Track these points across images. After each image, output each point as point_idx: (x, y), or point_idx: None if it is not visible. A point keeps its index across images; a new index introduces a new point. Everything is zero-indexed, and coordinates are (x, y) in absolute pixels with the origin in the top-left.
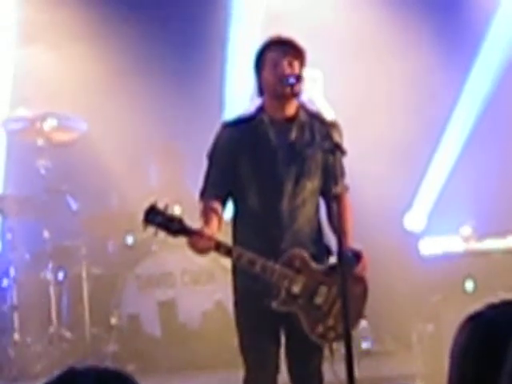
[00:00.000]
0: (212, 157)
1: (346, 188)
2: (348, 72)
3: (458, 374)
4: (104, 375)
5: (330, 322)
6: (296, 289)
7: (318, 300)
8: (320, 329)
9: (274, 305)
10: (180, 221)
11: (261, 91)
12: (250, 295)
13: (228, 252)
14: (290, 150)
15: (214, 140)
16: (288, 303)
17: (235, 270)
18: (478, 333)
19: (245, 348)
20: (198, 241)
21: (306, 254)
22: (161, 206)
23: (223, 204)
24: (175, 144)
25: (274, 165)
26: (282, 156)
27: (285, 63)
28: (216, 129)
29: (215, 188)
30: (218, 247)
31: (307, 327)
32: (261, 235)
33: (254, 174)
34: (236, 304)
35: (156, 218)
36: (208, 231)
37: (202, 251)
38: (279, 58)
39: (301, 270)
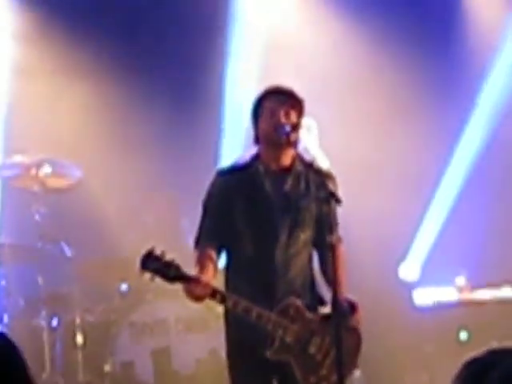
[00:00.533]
0: (206, 205)
1: (339, 239)
2: (343, 121)
3: None
4: None
5: (323, 371)
6: (290, 338)
7: (312, 349)
8: (313, 379)
9: (268, 354)
10: (177, 267)
11: (257, 140)
12: (243, 346)
13: (223, 299)
14: (284, 200)
15: (209, 188)
16: (282, 352)
17: (228, 320)
18: (473, 378)
19: None
20: (194, 288)
21: (300, 304)
22: (158, 252)
23: (218, 252)
24: (173, 195)
25: (268, 215)
26: (276, 206)
27: (281, 112)
28: (211, 177)
29: (210, 236)
30: (214, 294)
31: (300, 377)
32: (255, 283)
33: (248, 223)
34: (229, 355)
35: (153, 263)
36: (204, 278)
37: (198, 298)
38: (276, 107)
39: (295, 319)
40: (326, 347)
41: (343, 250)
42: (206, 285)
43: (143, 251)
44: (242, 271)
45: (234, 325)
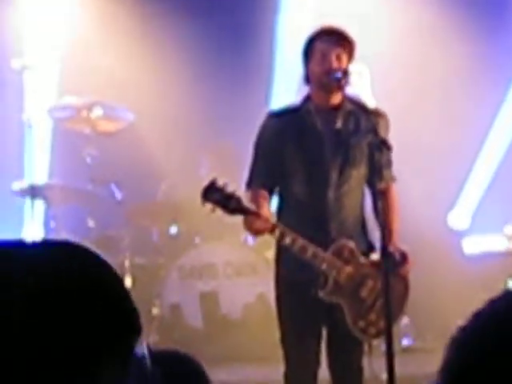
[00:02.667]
0: (258, 147)
1: (392, 179)
2: (397, 67)
3: None
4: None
5: (372, 316)
6: (343, 279)
7: (363, 293)
8: (362, 323)
9: (322, 294)
10: (238, 199)
11: (307, 79)
12: (295, 285)
13: (282, 236)
14: (335, 138)
15: (260, 130)
16: (335, 293)
17: (280, 260)
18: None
19: (286, 343)
20: (254, 221)
21: (353, 246)
22: (220, 183)
23: (270, 194)
24: (228, 144)
25: (320, 153)
26: (327, 144)
27: (333, 56)
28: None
29: (262, 178)
30: (273, 229)
31: (350, 321)
32: (307, 223)
33: (299, 162)
34: (279, 297)
35: (214, 195)
36: (264, 212)
37: (257, 232)
38: (328, 49)
39: (349, 260)
40: (377, 292)
41: (395, 192)
42: (266, 219)
43: (194, 196)
44: (294, 211)
45: (287, 264)
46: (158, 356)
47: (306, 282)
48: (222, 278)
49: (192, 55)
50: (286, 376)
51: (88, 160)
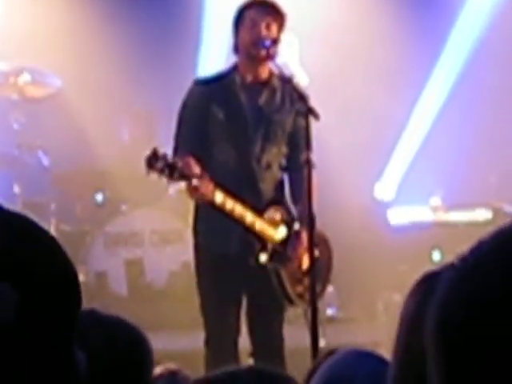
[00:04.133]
0: (183, 113)
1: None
2: (325, 38)
3: (404, 344)
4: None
5: (307, 282)
6: (280, 246)
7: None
8: (299, 288)
9: (263, 258)
10: (182, 167)
11: (236, 49)
12: (214, 257)
13: (224, 200)
14: (258, 112)
15: (185, 97)
16: (274, 259)
17: (198, 230)
18: (432, 297)
19: (206, 310)
20: (200, 185)
21: (283, 212)
22: (161, 152)
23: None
24: (149, 112)
25: (242, 125)
26: (250, 118)
27: (263, 25)
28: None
29: (188, 145)
30: (214, 191)
31: (289, 285)
32: (235, 190)
33: (223, 132)
34: (198, 265)
35: (158, 163)
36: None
37: (202, 196)
38: (258, 18)
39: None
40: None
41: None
42: (209, 181)
43: (119, 164)
44: (216, 179)
45: (207, 235)
46: (103, 320)
47: (228, 254)
48: (147, 245)
49: (119, 19)
50: (207, 343)
51: (15, 126)
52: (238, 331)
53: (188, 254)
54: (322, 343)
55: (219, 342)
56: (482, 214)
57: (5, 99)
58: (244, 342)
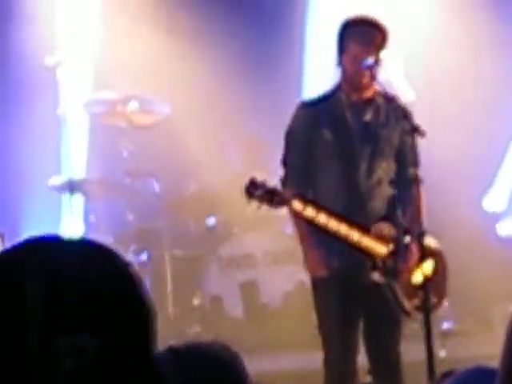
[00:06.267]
0: (290, 137)
1: (420, 179)
2: (429, 53)
3: (510, 356)
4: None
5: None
6: (390, 260)
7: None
8: (417, 300)
9: (376, 276)
10: (280, 193)
11: (340, 62)
12: (331, 274)
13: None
14: (364, 130)
15: (292, 120)
16: (387, 274)
17: None
18: None
19: (325, 330)
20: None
21: (391, 227)
22: (259, 180)
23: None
24: (261, 139)
25: (350, 142)
26: (357, 135)
27: (364, 56)
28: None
29: (298, 173)
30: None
31: (405, 298)
32: (343, 210)
33: (332, 151)
34: (314, 285)
35: (257, 191)
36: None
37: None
38: (360, 52)
39: (388, 240)
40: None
41: (422, 191)
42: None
43: (229, 188)
44: (326, 200)
45: (328, 252)
46: (183, 350)
47: (344, 269)
48: (261, 266)
49: (224, 45)
50: (326, 363)
51: (124, 154)
52: (357, 350)
53: (302, 273)
54: (441, 354)
55: (339, 361)
56: None
57: (113, 128)
58: (362, 359)
